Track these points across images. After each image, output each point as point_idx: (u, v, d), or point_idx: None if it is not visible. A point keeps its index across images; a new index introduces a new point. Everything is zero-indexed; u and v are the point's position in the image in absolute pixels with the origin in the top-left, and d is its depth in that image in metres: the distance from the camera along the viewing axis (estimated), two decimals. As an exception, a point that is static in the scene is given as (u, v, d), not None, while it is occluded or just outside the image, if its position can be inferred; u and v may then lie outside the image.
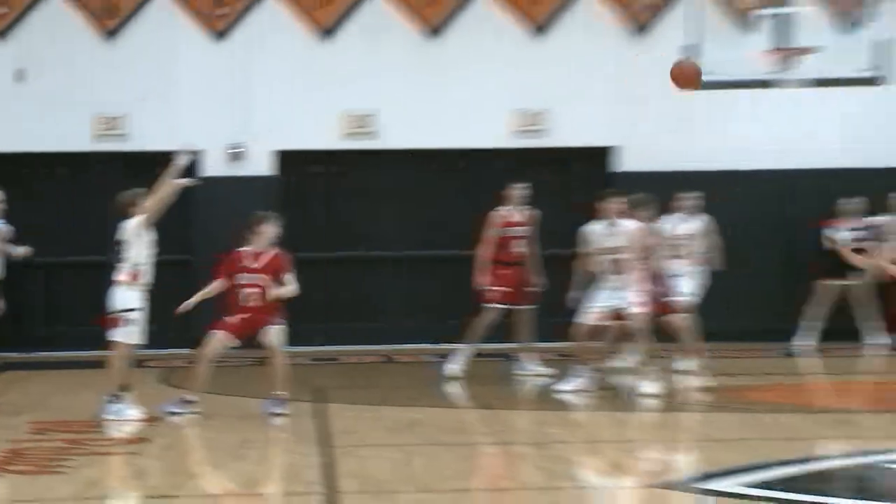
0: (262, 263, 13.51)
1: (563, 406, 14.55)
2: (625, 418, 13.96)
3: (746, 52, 17.96)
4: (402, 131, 20.42)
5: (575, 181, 20.08)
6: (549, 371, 16.34)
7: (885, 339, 19.38)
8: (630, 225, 15.01)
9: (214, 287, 13.60)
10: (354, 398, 15.36)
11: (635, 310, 14.80)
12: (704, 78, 17.59)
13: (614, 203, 15.17)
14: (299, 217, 19.21)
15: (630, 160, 20.24)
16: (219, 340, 13.45)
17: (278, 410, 13.44)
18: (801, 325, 19.56)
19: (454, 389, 15.93)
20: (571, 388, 14.91)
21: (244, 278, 13.46)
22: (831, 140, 20.09)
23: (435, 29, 20.58)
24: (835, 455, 11.99)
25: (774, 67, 17.59)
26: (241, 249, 13.58)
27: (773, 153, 20.16)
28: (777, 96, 18.20)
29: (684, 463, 11.65)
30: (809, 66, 17.54)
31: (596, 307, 14.87)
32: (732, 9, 20.02)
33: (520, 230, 16.80)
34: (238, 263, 13.50)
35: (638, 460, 11.49)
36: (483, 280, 16.69)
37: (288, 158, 20.41)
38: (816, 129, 20.12)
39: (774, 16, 17.91)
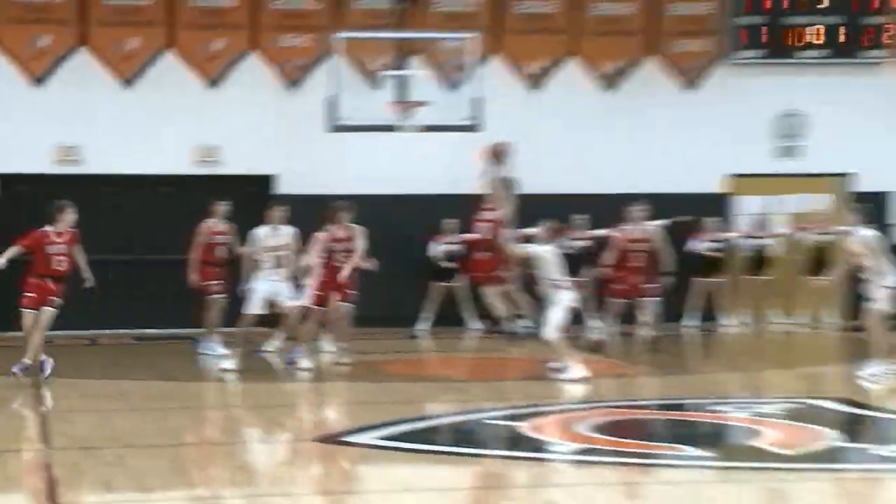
0: (64, 239, 13.77)
1: (238, 378, 14.38)
2: (284, 388, 13.84)
3: (376, 104, 18.14)
4: (107, 160, 19.95)
5: (245, 201, 19.87)
6: (226, 351, 16.11)
7: (480, 326, 19.75)
8: (289, 229, 15.05)
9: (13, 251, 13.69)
10: (67, 373, 14.87)
11: (291, 300, 14.82)
12: (344, 123, 17.76)
13: (277, 212, 15.53)
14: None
15: (288, 186, 20.16)
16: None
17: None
18: (420, 315, 19.87)
19: (151, 365, 15.57)
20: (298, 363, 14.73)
21: (52, 249, 13.72)
22: (440, 172, 20.32)
23: (128, 80, 20.10)
24: (448, 414, 12.10)
25: (397, 116, 17.80)
26: (46, 229, 13.78)
27: (397, 181, 20.32)
28: (399, 138, 18.28)
29: (332, 422, 11.61)
30: (423, 116, 17.80)
31: (258, 297, 14.86)
32: (364, 68, 20.06)
33: (221, 238, 16.51)
34: (45, 239, 13.71)
35: (295, 420, 11.43)
36: (196, 278, 16.31)
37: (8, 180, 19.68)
38: (428, 164, 20.32)
39: (396, 76, 18.15)
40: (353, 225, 15.78)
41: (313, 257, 15.33)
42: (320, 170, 20.10)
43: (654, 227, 16.95)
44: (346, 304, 15.68)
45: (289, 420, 11.39)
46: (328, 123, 17.82)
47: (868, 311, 14.01)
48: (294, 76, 20.54)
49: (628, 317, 16.81)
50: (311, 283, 15.22)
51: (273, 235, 15.16)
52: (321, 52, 19.99)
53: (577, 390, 12.89)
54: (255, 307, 14.86)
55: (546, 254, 13.25)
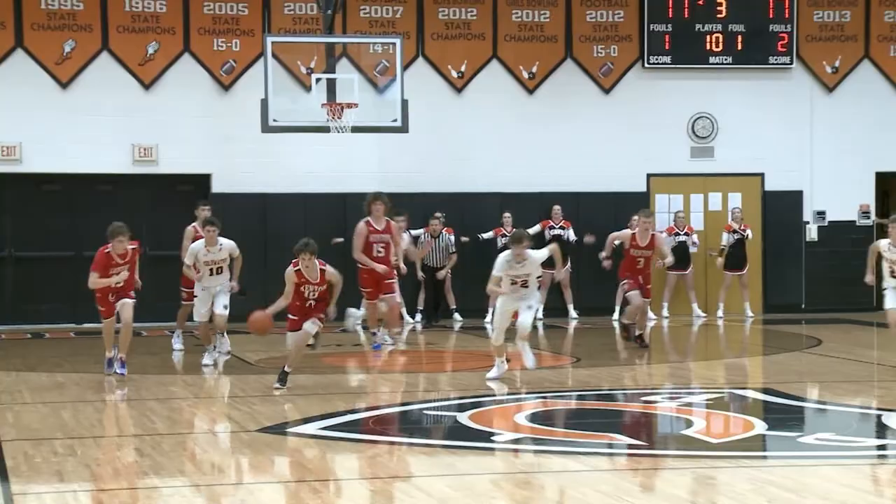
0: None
1: (184, 371, 14.15)
2: (232, 380, 13.60)
3: (307, 105, 17.96)
4: (46, 159, 19.58)
5: (180, 199, 19.59)
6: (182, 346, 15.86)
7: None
8: (227, 245, 14.37)
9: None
10: (11, 366, 14.52)
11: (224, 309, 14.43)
12: (276, 123, 17.53)
13: (203, 212, 15.38)
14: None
15: (222, 184, 19.91)
16: None
17: None
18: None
19: (92, 358, 15.27)
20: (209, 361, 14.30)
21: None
22: (370, 170, 20.22)
23: (64, 83, 19.70)
24: (394, 404, 11.96)
25: (328, 117, 17.64)
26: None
27: (328, 179, 20.17)
28: (331, 138, 18.11)
29: (278, 414, 11.39)
30: (352, 117, 17.67)
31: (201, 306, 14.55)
32: (295, 71, 19.85)
33: None
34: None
35: (241, 412, 11.20)
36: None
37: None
38: (358, 162, 20.20)
39: (326, 79, 17.99)
40: (392, 219, 15.92)
41: (356, 251, 15.50)
42: (254, 169, 19.93)
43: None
44: (391, 295, 15.64)
45: (234, 412, 11.15)
46: (262, 124, 17.60)
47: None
48: (226, 79, 20.27)
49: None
50: (362, 280, 15.53)
51: (211, 253, 14.28)
52: (252, 55, 19.78)
53: (518, 382, 12.83)
54: (201, 316, 14.50)
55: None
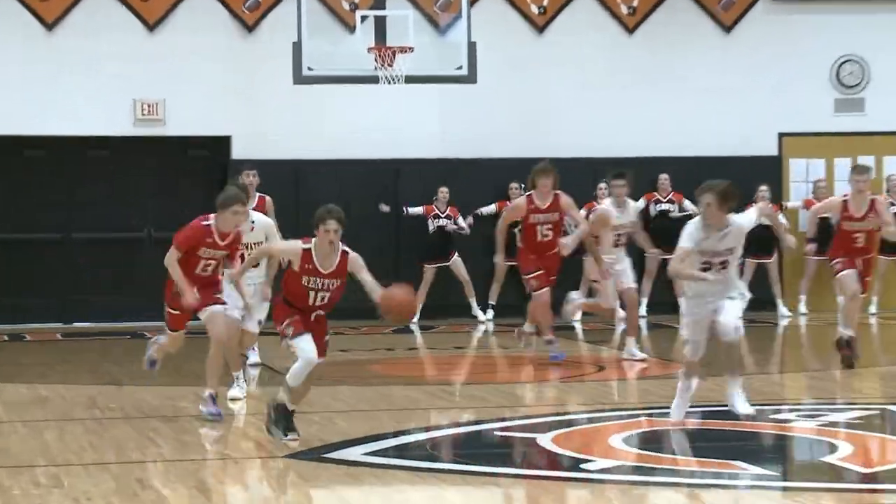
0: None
1: (192, 381, 14.14)
2: (256, 394, 13.61)
3: (351, 50, 17.96)
4: (27, 120, 19.73)
5: (193, 168, 19.65)
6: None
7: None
8: (263, 222, 13.66)
9: None
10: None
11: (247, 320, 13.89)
12: (311, 73, 17.54)
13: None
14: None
15: (244, 149, 19.98)
16: None
17: None
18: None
19: (82, 366, 15.41)
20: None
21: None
22: (427, 132, 20.22)
23: (49, 24, 19.82)
24: (451, 424, 11.94)
25: (377, 64, 17.63)
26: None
27: (378, 143, 20.17)
28: (381, 90, 18.11)
29: (313, 434, 11.37)
30: (407, 64, 17.66)
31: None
32: (337, 8, 19.87)
33: None
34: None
35: (264, 432, 11.17)
36: None
37: None
38: (413, 122, 20.20)
39: (374, 17, 17.99)
40: (561, 193, 15.46)
41: (500, 228, 15.32)
42: (284, 130, 19.92)
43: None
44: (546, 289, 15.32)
45: (260, 432, 11.14)
46: (294, 74, 17.63)
47: None
48: (250, 17, 20.31)
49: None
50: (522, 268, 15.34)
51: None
52: (283, -12, 19.89)
53: (601, 395, 12.79)
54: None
55: None
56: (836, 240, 14.50)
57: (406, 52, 17.70)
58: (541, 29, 21.05)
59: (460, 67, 18.17)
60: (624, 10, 21.16)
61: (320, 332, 10.42)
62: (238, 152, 20.05)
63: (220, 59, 20.14)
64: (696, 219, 10.71)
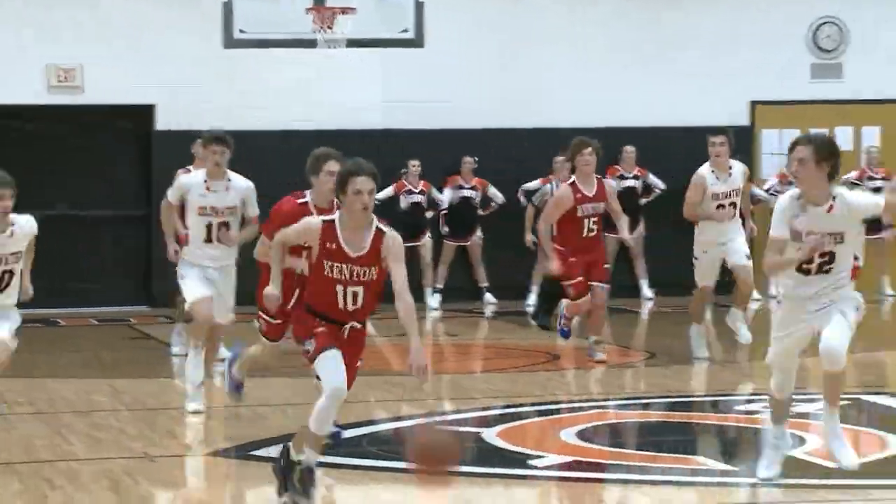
0: None
1: (108, 372, 14.13)
2: (170, 385, 13.58)
3: (287, 11, 17.93)
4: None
5: (115, 139, 19.55)
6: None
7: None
8: (241, 184, 12.16)
9: None
10: None
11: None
12: (243, 36, 17.52)
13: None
14: None
15: (170, 120, 19.88)
16: None
17: None
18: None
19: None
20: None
21: None
22: (372, 100, 20.15)
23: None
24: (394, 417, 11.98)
25: (315, 26, 17.62)
26: None
27: (316, 113, 20.09)
28: (320, 55, 18.06)
29: (240, 432, 11.36)
30: (349, 25, 17.65)
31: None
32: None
33: None
34: None
35: (187, 428, 11.17)
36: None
37: None
38: (357, 89, 20.12)
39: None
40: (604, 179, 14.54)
41: (543, 224, 13.99)
42: (214, 98, 19.80)
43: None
44: (603, 285, 14.25)
45: (177, 426, 11.15)
46: (224, 37, 17.59)
47: None
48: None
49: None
50: (556, 263, 13.82)
51: (212, 194, 11.75)
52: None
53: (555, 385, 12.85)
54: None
55: None
56: None
57: (347, 12, 17.67)
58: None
59: (406, 30, 18.18)
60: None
61: (353, 353, 8.28)
62: (163, 123, 19.97)
63: (144, 21, 19.96)
64: (790, 194, 8.72)
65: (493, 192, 20.02)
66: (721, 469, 9.55)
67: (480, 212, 19.98)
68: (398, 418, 11.86)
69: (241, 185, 11.72)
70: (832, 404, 8.67)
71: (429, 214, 19.84)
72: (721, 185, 14.11)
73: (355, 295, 8.05)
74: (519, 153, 20.14)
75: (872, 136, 21.45)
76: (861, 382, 13.39)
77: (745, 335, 14.31)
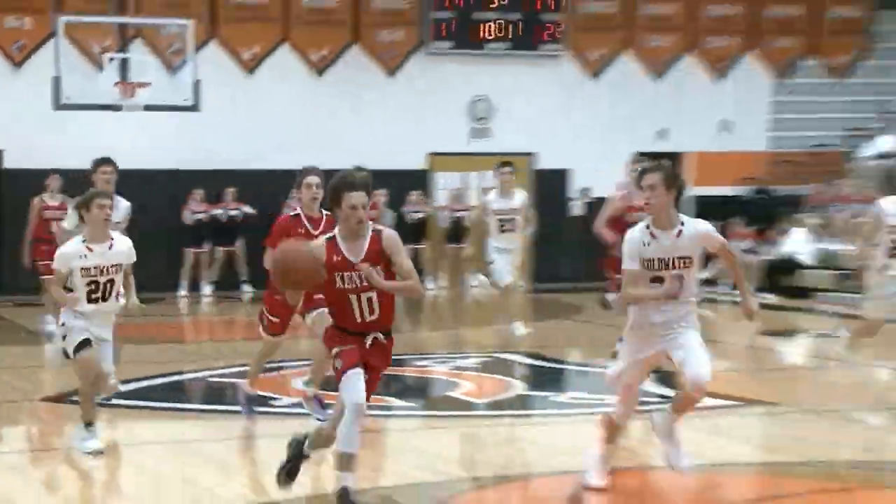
0: None
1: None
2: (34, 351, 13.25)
3: (100, 83, 17.67)
4: None
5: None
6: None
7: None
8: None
9: None
10: None
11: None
12: (68, 101, 17.18)
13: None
14: None
15: (15, 160, 19.40)
16: None
17: None
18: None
19: None
20: None
21: None
22: (166, 147, 19.99)
23: None
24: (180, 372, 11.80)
25: (121, 95, 17.41)
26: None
27: (126, 156, 19.67)
28: (128, 114, 17.89)
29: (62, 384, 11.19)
30: (145, 96, 17.51)
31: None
32: (88, 51, 19.45)
33: (55, 213, 14.00)
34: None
35: (28, 381, 10.99)
36: (29, 258, 14.31)
37: None
38: (151, 139, 19.90)
39: (119, 59, 17.74)
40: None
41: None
42: (47, 145, 19.39)
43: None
44: None
45: (20, 381, 10.96)
46: (53, 102, 17.30)
47: None
48: (17, 56, 19.77)
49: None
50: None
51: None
52: (45, 34, 19.31)
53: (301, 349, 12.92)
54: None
55: None
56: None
57: (144, 86, 17.53)
58: (251, 70, 21.03)
59: (187, 99, 18.07)
60: (314, 57, 21.33)
61: (377, 364, 6.52)
62: (9, 163, 19.47)
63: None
64: (640, 225, 6.82)
65: (246, 209, 20.08)
66: (403, 405, 9.65)
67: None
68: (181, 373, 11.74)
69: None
70: (679, 415, 6.91)
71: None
72: (503, 204, 13.36)
73: (370, 301, 6.32)
74: (261, 187, 20.21)
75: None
76: (498, 345, 13.78)
77: (519, 329, 13.58)
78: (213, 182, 20.04)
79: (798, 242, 19.20)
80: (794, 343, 14.80)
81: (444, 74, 21.59)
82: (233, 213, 20.01)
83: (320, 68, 21.29)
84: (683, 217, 6.72)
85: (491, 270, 13.59)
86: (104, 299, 8.06)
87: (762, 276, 19.10)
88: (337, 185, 6.38)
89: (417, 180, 21.07)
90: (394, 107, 21.37)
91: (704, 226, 6.74)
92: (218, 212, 20.02)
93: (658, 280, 6.64)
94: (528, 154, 21.90)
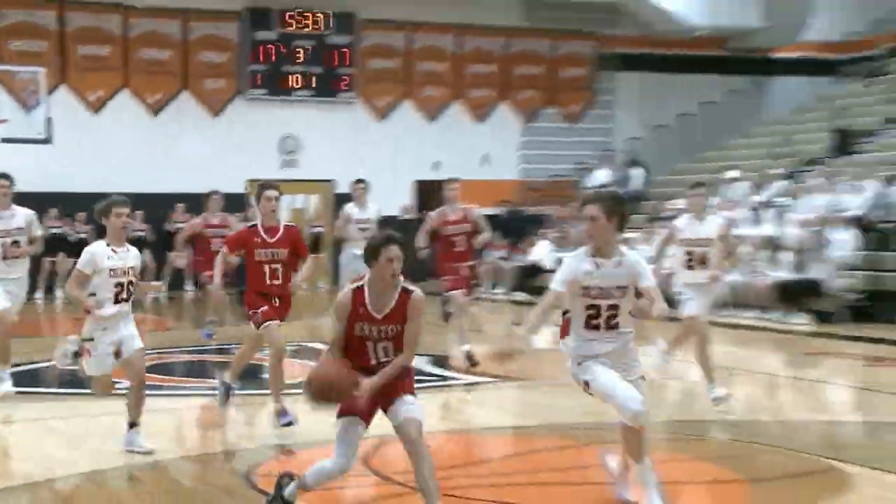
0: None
1: None
2: None
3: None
4: None
5: None
6: None
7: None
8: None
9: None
10: None
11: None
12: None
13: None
14: None
15: None
16: None
17: None
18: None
19: None
20: None
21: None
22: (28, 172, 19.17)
23: None
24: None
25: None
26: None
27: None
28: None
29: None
30: (2, 129, 16.95)
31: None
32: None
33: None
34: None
35: None
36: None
37: None
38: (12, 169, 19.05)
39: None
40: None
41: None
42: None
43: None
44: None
45: None
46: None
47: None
48: None
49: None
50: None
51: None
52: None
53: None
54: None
55: None
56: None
57: (2, 122, 16.98)
58: (97, 110, 20.54)
59: (41, 133, 17.62)
60: (150, 101, 21.00)
61: (401, 389, 5.47)
62: None
63: None
64: (582, 250, 5.68)
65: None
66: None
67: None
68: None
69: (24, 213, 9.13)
70: (639, 459, 5.62)
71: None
72: (360, 214, 12.24)
73: (386, 349, 5.40)
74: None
75: (315, 200, 22.00)
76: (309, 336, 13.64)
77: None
78: (66, 202, 19.41)
79: (542, 252, 19.88)
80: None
81: (259, 116, 21.51)
82: (82, 235, 19.27)
83: (155, 109, 21.00)
84: (624, 248, 5.60)
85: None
86: (126, 300, 7.11)
87: (514, 279, 19.74)
88: (378, 240, 5.39)
89: (238, 202, 20.90)
90: (218, 142, 21.20)
91: (640, 261, 5.63)
92: (69, 230, 19.39)
93: (594, 308, 5.55)
94: (329, 181, 22.01)
